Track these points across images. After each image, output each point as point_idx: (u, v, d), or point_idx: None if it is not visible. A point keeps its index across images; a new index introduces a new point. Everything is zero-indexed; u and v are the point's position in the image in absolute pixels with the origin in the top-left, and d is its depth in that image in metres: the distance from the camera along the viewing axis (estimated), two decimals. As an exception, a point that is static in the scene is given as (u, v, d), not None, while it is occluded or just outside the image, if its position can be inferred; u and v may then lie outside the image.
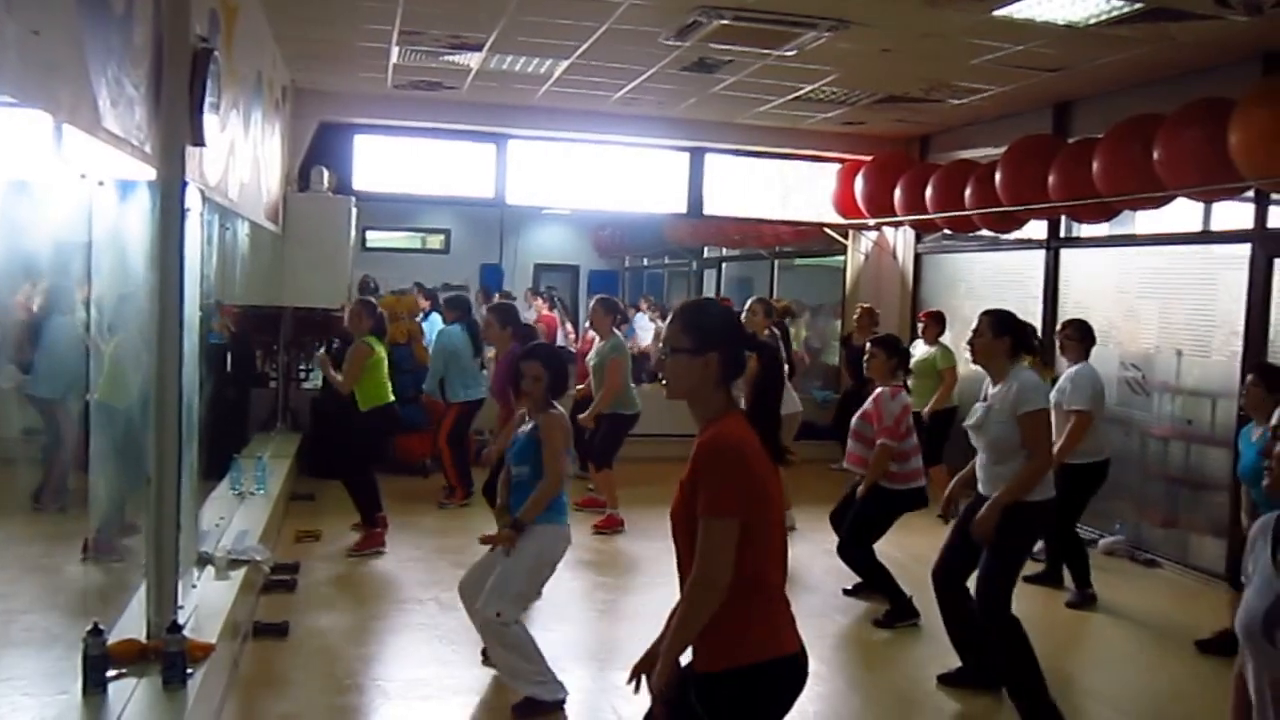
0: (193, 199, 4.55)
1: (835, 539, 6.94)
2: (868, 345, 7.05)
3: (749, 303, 8.83)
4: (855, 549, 6.71)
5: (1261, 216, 7.59)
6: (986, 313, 5.28)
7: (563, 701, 5.04)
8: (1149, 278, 8.78)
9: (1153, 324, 8.66)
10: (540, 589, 5.51)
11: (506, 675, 5.09)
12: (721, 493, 2.76)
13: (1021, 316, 5.37)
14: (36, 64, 2.61)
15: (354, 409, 7.91)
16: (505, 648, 5.00)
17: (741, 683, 2.80)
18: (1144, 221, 8.67)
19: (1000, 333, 5.16)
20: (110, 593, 4.83)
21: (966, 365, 9.69)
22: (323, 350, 8.94)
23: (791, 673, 2.86)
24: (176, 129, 4.21)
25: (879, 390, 6.65)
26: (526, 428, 5.18)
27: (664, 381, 2.99)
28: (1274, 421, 2.44)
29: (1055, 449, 5.77)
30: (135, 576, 4.64)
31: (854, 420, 6.82)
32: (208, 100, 4.39)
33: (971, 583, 5.36)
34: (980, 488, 5.22)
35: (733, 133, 11.45)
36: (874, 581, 6.72)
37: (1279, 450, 2.42)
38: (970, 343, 5.28)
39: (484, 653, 5.60)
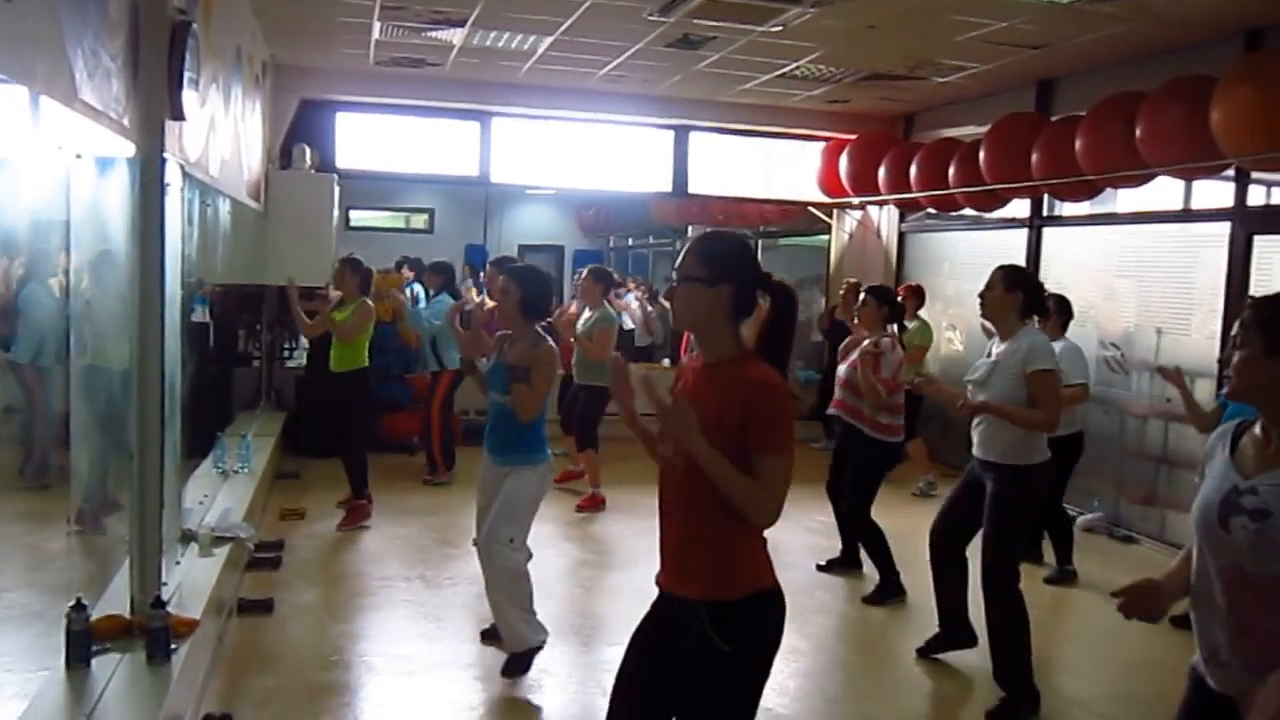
0: (173, 174, 4.52)
1: (816, 518, 6.96)
2: (860, 294, 7.01)
3: None
4: (862, 512, 6.71)
5: (1241, 195, 7.63)
6: (1001, 268, 5.16)
7: (543, 644, 5.12)
8: (1129, 256, 8.83)
9: (1132, 302, 8.72)
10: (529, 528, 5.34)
11: (500, 607, 5.08)
12: (786, 432, 2.81)
13: None
14: (10, 34, 2.58)
15: (331, 383, 7.91)
16: (508, 575, 5.03)
17: (759, 606, 2.87)
18: (1125, 200, 8.72)
19: (1013, 288, 5.04)
20: (93, 569, 4.83)
21: (944, 344, 9.77)
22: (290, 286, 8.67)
23: (784, 601, 2.92)
24: (155, 102, 4.17)
25: (880, 340, 6.61)
26: (509, 355, 5.10)
27: (671, 308, 2.95)
28: (1233, 332, 2.58)
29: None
30: (118, 553, 4.63)
31: (843, 369, 6.74)
32: (186, 74, 4.36)
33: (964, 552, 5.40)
34: (975, 449, 5.16)
35: (717, 111, 11.43)
36: (873, 552, 6.71)
37: (1236, 360, 2.56)
38: (981, 296, 5.15)
39: (483, 634, 5.63)
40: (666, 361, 13.35)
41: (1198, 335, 7.92)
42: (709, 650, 2.80)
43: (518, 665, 5.09)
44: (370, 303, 7.86)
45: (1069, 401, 6.76)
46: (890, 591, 6.61)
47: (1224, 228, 7.68)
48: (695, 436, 2.72)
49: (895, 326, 6.93)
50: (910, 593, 6.58)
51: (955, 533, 5.37)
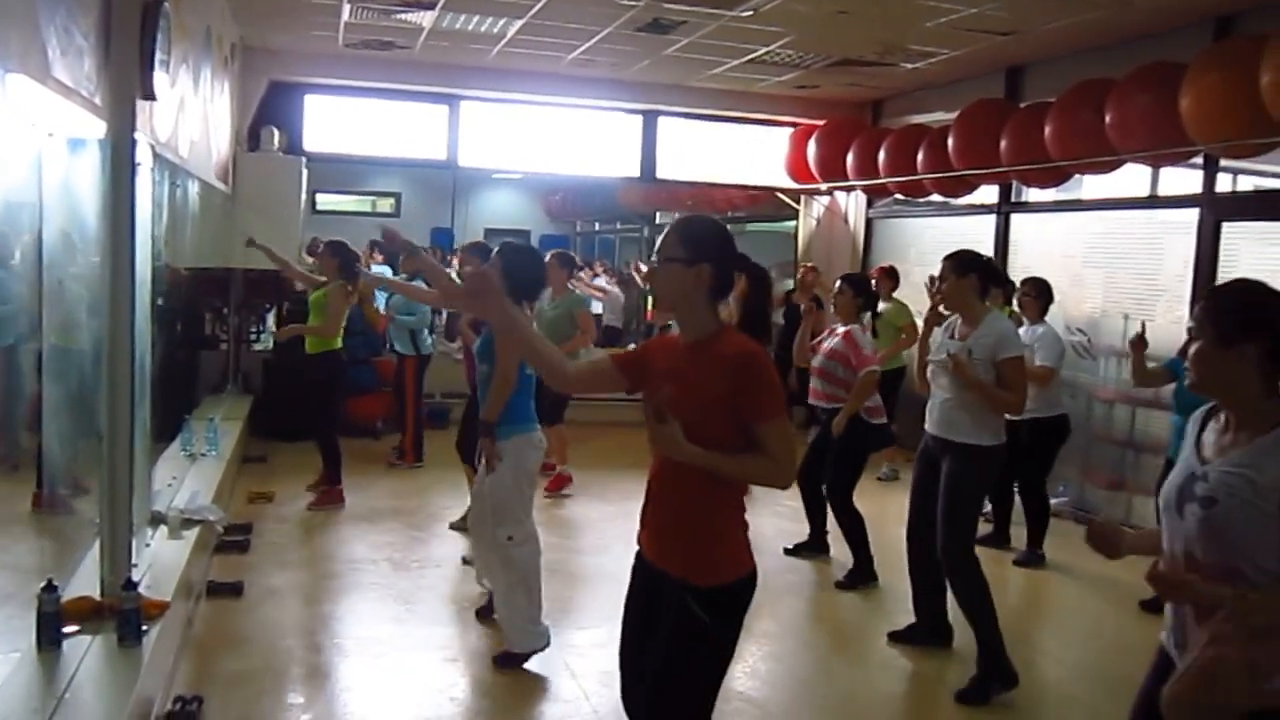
0: (143, 154, 4.48)
1: (784, 502, 6.96)
2: (836, 282, 7.03)
3: None
4: (845, 495, 6.71)
5: (1210, 181, 7.70)
6: (947, 257, 5.21)
7: (543, 648, 5.13)
8: (1097, 242, 8.90)
9: (1099, 288, 8.79)
10: (530, 503, 5.33)
11: (503, 603, 5.13)
12: (777, 396, 2.89)
13: None
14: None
15: (303, 365, 7.88)
16: (514, 572, 5.05)
17: (741, 590, 2.97)
18: (1093, 186, 8.78)
19: (964, 272, 5.09)
20: (63, 552, 4.79)
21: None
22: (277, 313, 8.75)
23: (757, 576, 3.03)
24: (126, 81, 4.13)
25: (851, 327, 6.63)
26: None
27: (650, 290, 3.02)
28: (1188, 323, 2.62)
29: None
30: (87, 537, 4.61)
31: (819, 359, 6.73)
32: (157, 55, 4.32)
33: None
34: (930, 426, 5.20)
35: (686, 96, 11.42)
36: (852, 538, 6.72)
37: (1192, 351, 2.61)
38: (937, 291, 5.23)
39: (478, 612, 5.66)
40: (632, 346, 13.34)
41: (1163, 320, 7.98)
42: (687, 617, 2.89)
43: (511, 660, 5.09)
44: (347, 286, 7.82)
45: (1032, 379, 6.81)
46: (863, 577, 6.65)
47: (1192, 214, 7.74)
48: (683, 446, 2.81)
49: (870, 315, 6.96)
50: (881, 577, 6.63)
51: (929, 527, 5.34)
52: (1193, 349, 2.61)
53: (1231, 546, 2.48)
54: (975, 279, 5.11)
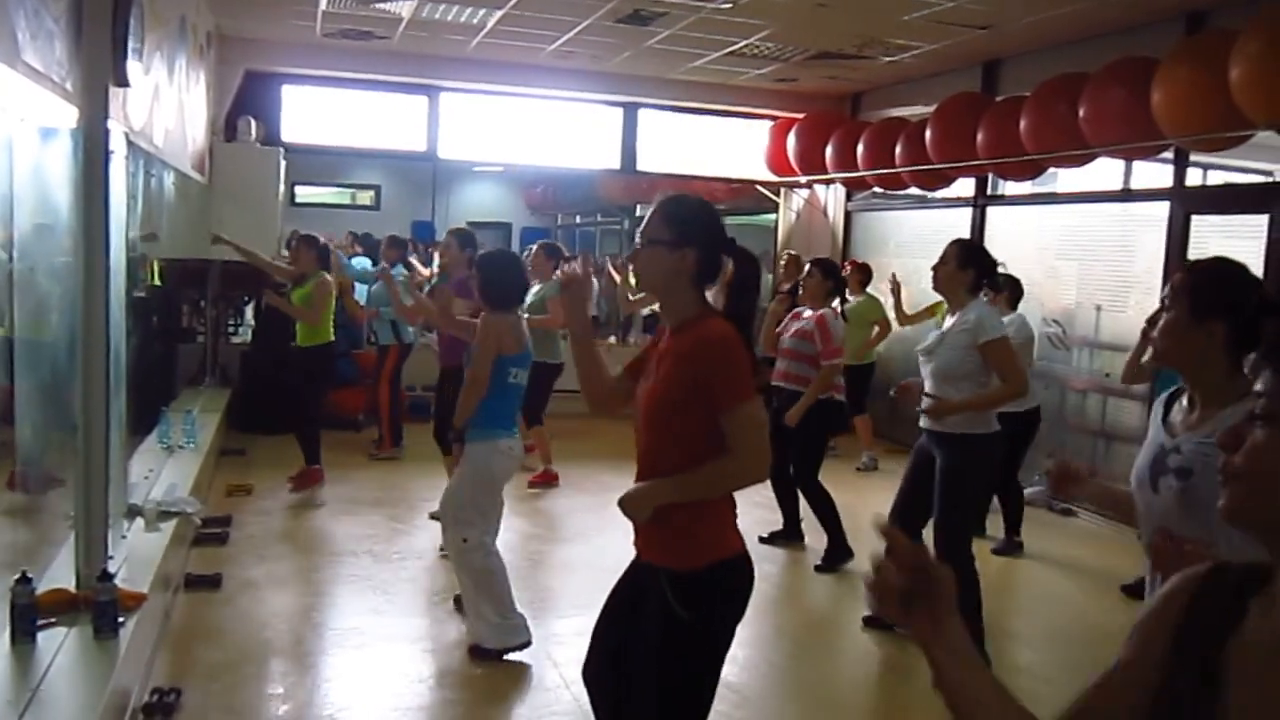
0: (117, 142, 4.46)
1: (760, 491, 6.97)
2: (806, 265, 7.09)
3: None
4: (811, 476, 6.75)
5: (1180, 175, 7.78)
6: (955, 243, 5.21)
7: (521, 646, 5.06)
8: (1071, 235, 8.98)
9: (1073, 280, 8.87)
10: (497, 510, 5.22)
11: (468, 608, 5.12)
12: (743, 380, 2.74)
13: None
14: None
15: (288, 358, 7.87)
16: (470, 576, 5.02)
17: (720, 576, 2.83)
18: (1067, 180, 8.85)
19: (965, 264, 5.08)
20: (36, 545, 4.77)
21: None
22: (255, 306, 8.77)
23: (751, 567, 2.90)
24: (99, 67, 4.09)
25: (823, 311, 6.67)
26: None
27: (634, 273, 2.90)
28: (1163, 294, 2.64)
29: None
30: (62, 530, 4.58)
31: (788, 339, 6.78)
32: (130, 42, 4.30)
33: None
34: (923, 421, 5.20)
35: (666, 88, 11.42)
36: (823, 517, 6.75)
37: (1161, 323, 2.59)
38: (934, 269, 5.19)
39: (456, 600, 5.63)
40: (613, 339, 13.36)
41: (1135, 312, 8.05)
42: (668, 616, 2.80)
43: (483, 654, 5.05)
44: (329, 277, 7.83)
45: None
46: (840, 556, 6.68)
47: (1163, 208, 7.83)
48: (645, 504, 2.80)
49: (839, 300, 7.00)
50: (857, 563, 6.66)
51: (912, 518, 5.33)
52: (1163, 319, 2.58)
53: (1211, 520, 2.38)
54: (972, 275, 5.10)
